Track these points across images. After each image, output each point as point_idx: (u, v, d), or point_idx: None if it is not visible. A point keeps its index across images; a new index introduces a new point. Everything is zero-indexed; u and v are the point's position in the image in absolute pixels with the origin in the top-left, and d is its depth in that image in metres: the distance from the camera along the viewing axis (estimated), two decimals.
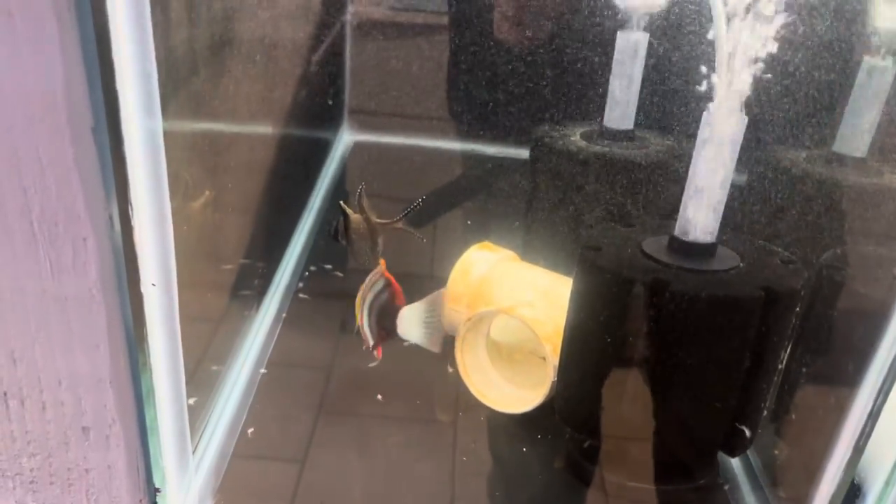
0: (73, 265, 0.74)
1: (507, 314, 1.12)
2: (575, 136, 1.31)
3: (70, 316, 0.77)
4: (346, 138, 1.90)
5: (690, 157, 0.93)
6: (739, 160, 1.22)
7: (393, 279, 1.03)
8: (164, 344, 0.81)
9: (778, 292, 0.90)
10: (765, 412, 1.00)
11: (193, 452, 0.97)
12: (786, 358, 1.01)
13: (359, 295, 1.07)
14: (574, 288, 1.00)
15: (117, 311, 0.78)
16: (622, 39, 1.23)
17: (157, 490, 0.89)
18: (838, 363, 0.92)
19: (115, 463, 0.86)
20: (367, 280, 1.05)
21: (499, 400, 1.15)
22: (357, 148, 1.91)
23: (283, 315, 1.30)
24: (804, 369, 1.00)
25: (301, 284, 1.39)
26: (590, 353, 0.99)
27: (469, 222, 1.66)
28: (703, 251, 0.95)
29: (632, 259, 0.96)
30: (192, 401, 0.97)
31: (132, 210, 0.73)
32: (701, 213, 0.94)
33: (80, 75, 0.67)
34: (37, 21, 0.64)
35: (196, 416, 1.02)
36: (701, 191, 0.93)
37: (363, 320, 1.08)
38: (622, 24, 1.23)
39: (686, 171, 0.97)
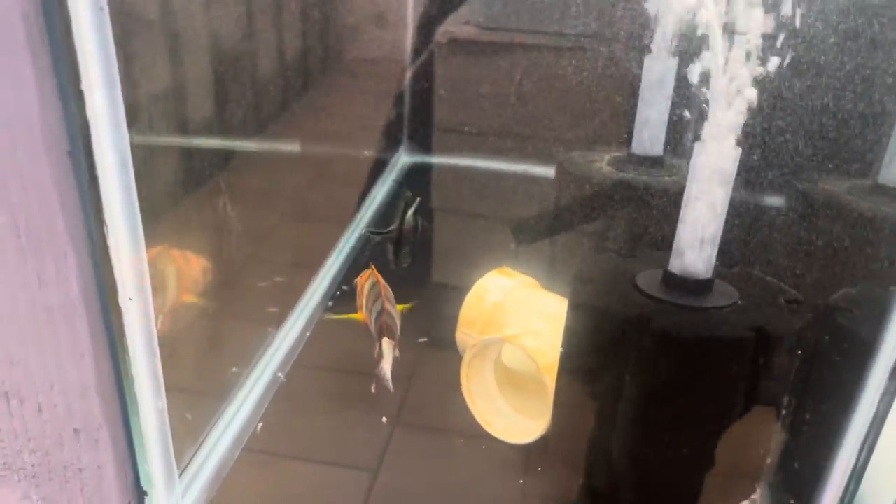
0: (56, 279, 0.80)
1: (509, 342, 1.10)
2: (602, 162, 1.28)
3: (57, 325, 0.82)
4: (403, 159, 1.94)
5: None
6: (774, 187, 1.15)
7: (385, 303, 1.05)
8: (143, 355, 0.85)
9: (771, 334, 0.84)
10: (767, 461, 0.93)
11: (188, 463, 1.02)
12: (793, 404, 0.94)
13: (363, 302, 1.10)
14: (566, 321, 0.98)
15: (99, 322, 0.83)
16: (649, 64, 1.20)
17: (145, 493, 0.94)
18: (837, 414, 0.84)
19: (104, 464, 0.91)
20: (365, 289, 1.08)
21: (504, 430, 1.14)
22: (414, 170, 1.93)
23: (308, 334, 1.34)
24: (808, 417, 0.93)
25: (330, 304, 1.42)
26: (577, 388, 0.97)
27: (513, 246, 1.64)
28: (697, 287, 0.90)
29: (622, 293, 0.93)
30: (190, 413, 1.04)
31: (107, 229, 0.78)
32: (695, 248, 0.89)
33: (55, 104, 0.73)
34: (14, 58, 0.70)
35: (199, 426, 1.08)
36: (694, 225, 0.88)
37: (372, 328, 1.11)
38: (649, 48, 1.20)
39: None
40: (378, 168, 1.84)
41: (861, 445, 0.72)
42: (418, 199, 1.65)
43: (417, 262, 1.61)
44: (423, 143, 2.01)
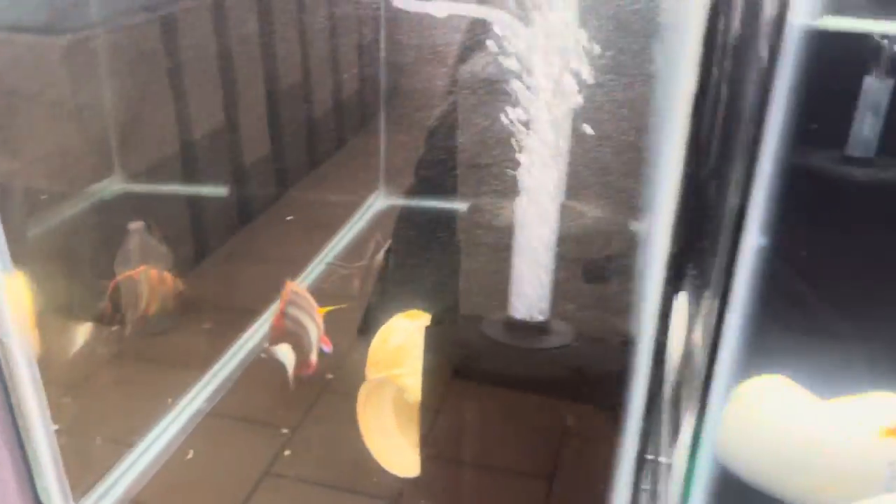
0: None
1: (392, 381, 1.17)
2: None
3: None
4: (379, 202, 2.03)
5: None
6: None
7: (283, 305, 1.15)
8: (28, 386, 0.98)
9: (588, 375, 0.89)
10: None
11: (98, 481, 1.14)
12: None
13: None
14: (422, 362, 1.04)
15: None
16: None
17: None
18: None
19: (7, 480, 1.03)
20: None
21: (397, 463, 1.20)
22: (391, 213, 2.02)
23: (238, 376, 1.44)
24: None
25: (267, 345, 1.51)
26: (432, 423, 1.03)
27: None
28: (532, 329, 0.95)
29: (462, 336, 0.99)
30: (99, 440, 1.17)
31: None
32: (525, 293, 0.95)
33: None
34: None
35: (117, 445, 1.22)
36: (521, 270, 0.94)
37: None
38: None
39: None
40: (350, 210, 1.95)
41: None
42: (389, 241, 1.74)
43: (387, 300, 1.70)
44: (403, 185, 2.10)
